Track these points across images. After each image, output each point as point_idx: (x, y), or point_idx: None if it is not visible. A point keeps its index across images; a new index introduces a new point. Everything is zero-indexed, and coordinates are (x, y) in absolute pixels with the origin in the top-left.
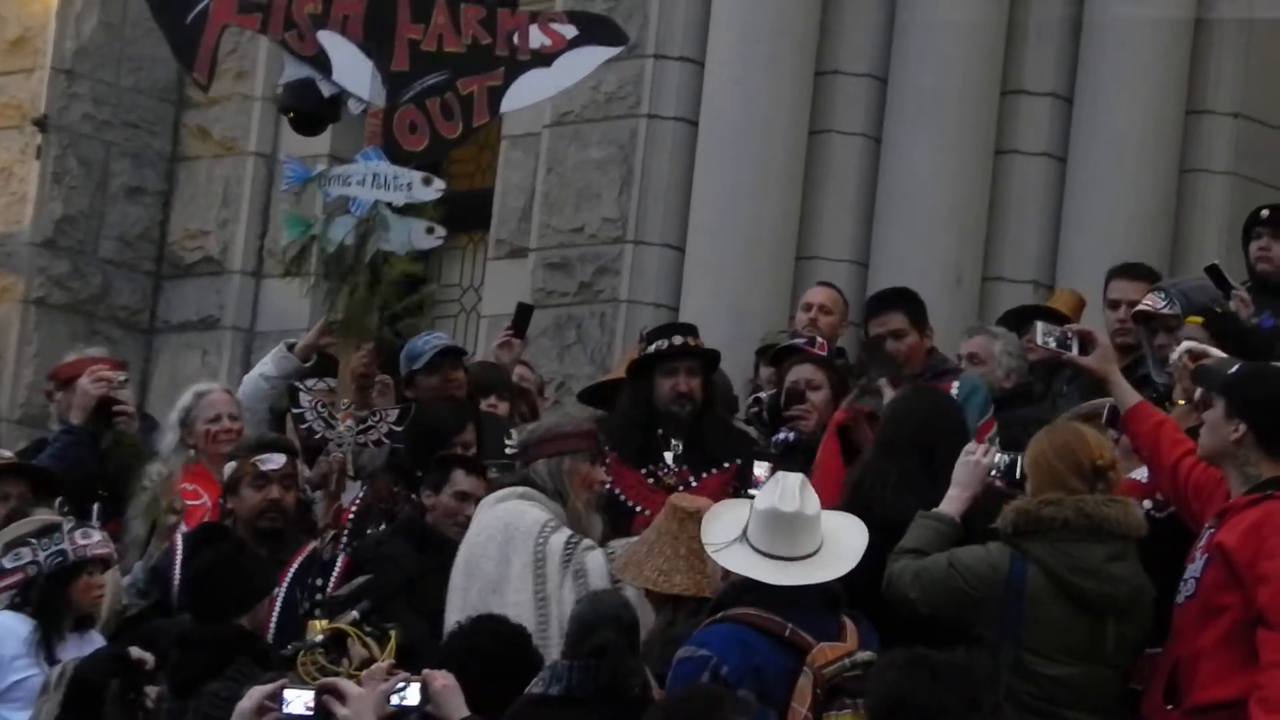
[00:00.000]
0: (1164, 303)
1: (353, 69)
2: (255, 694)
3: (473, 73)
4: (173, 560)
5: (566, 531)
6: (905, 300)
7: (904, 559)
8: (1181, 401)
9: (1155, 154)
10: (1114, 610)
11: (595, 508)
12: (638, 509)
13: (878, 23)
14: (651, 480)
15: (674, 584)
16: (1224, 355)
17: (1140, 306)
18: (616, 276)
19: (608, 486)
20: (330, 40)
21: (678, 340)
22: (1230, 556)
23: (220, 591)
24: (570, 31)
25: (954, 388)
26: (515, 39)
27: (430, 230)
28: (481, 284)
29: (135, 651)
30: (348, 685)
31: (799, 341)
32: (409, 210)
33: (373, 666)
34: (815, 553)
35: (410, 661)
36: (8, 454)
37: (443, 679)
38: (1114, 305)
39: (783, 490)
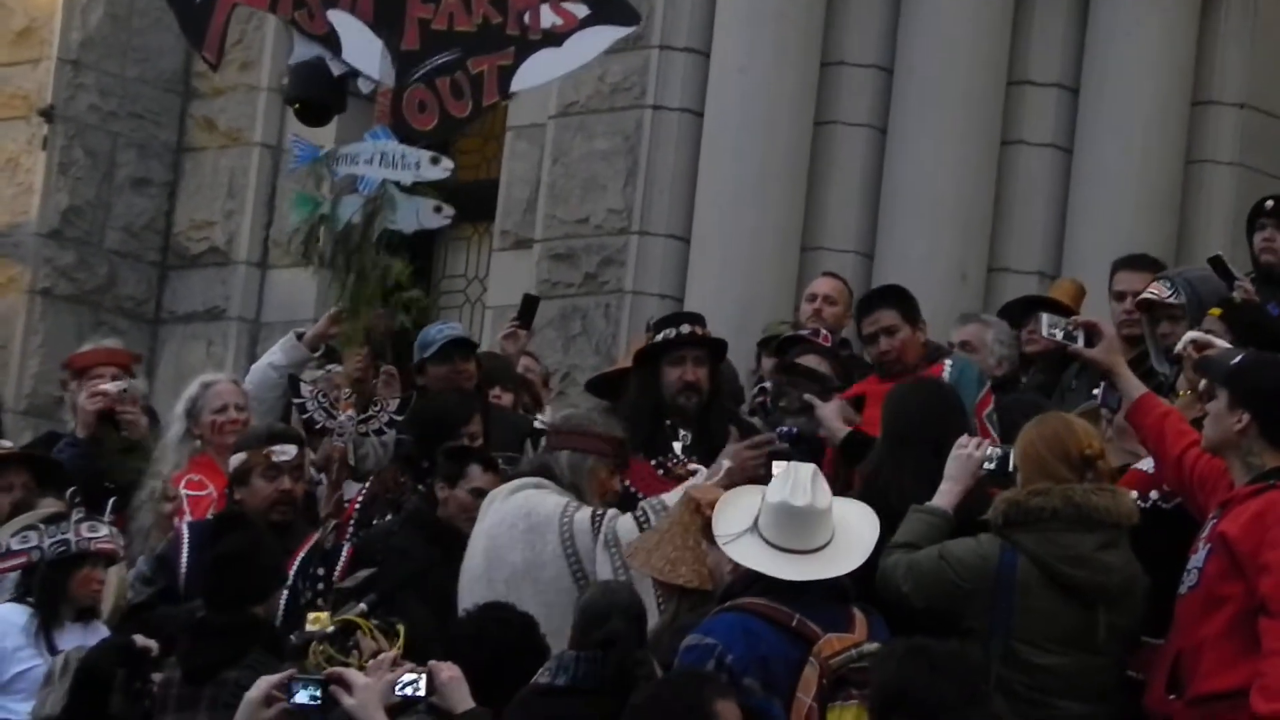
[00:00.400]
0: (1169, 291)
1: (362, 48)
2: (263, 684)
3: (483, 52)
4: (179, 548)
5: (588, 509)
6: (895, 296)
7: (896, 553)
8: (1186, 392)
9: (1161, 145)
10: (1106, 599)
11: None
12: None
13: (883, 14)
14: (661, 471)
15: (679, 575)
16: (1229, 346)
17: (1144, 295)
18: (621, 267)
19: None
20: (340, 19)
21: (685, 329)
22: (1233, 546)
23: (240, 579)
24: (582, 11)
25: (944, 369)
26: (526, 18)
27: (438, 209)
28: (486, 275)
29: (140, 640)
30: (354, 675)
31: (804, 332)
32: (417, 189)
33: (379, 656)
34: (827, 545)
35: (417, 653)
36: (8, 444)
37: (449, 670)
38: (1120, 297)
39: (794, 483)
